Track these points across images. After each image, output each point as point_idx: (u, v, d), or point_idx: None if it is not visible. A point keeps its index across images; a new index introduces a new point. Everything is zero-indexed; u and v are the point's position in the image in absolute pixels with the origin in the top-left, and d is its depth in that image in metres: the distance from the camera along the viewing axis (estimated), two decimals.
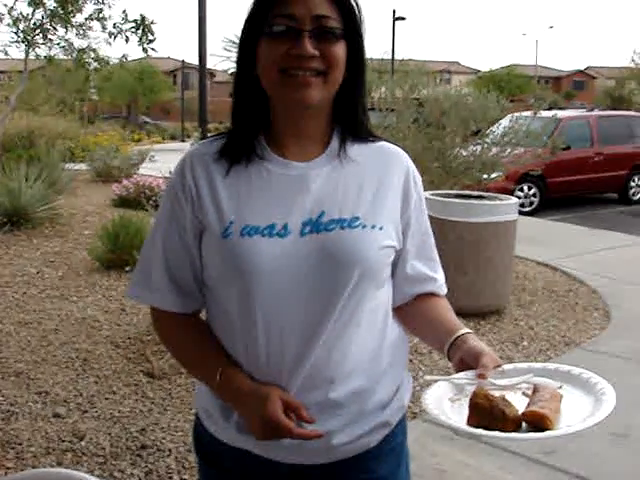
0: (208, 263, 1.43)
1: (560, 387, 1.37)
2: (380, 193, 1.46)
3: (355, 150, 1.47)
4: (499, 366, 1.38)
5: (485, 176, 7.60)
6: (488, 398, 1.29)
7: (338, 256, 1.38)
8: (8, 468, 3.30)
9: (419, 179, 1.59)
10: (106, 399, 4.03)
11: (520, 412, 1.29)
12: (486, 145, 7.40)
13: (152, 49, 9.52)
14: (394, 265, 1.52)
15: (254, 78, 1.42)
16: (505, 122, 8.08)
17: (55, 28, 10.66)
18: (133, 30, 9.87)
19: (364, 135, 1.50)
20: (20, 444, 3.51)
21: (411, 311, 1.58)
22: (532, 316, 5.87)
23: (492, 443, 3.62)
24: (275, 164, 1.43)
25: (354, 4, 1.40)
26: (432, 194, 6.02)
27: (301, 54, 1.35)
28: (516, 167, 9.11)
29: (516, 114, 8.66)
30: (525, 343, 5.23)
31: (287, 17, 1.35)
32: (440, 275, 1.61)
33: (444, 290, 1.61)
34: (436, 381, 1.41)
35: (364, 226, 1.41)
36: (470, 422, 1.29)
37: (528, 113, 9.16)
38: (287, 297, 1.37)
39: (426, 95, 7.59)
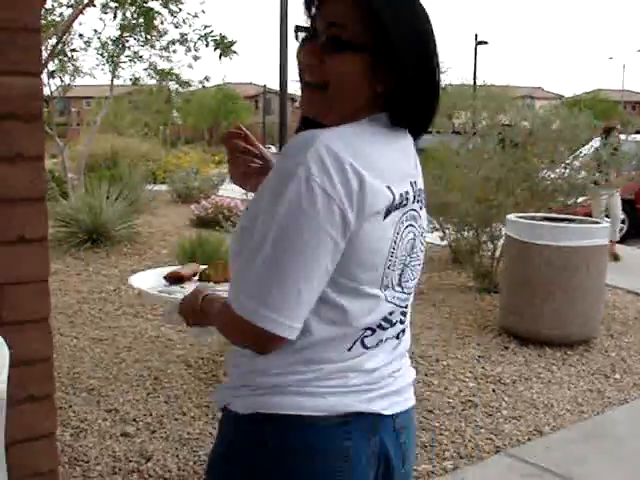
0: None
1: None
2: None
3: None
4: None
5: (572, 200, 7.27)
6: None
7: None
8: None
9: None
10: (175, 420, 3.92)
11: None
12: (575, 167, 7.07)
13: (234, 52, 9.53)
14: None
15: None
16: (595, 143, 7.73)
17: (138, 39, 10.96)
18: (213, 39, 9.96)
19: None
20: (87, 462, 3.42)
21: None
22: (624, 347, 5.52)
23: None
24: None
25: (391, 16, 1.29)
26: (518, 217, 5.75)
27: (301, 60, 1.35)
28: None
29: None
30: (617, 376, 4.89)
31: (312, 19, 1.36)
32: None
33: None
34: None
35: None
36: None
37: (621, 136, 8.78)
38: None
39: (513, 115, 7.34)
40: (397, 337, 1.43)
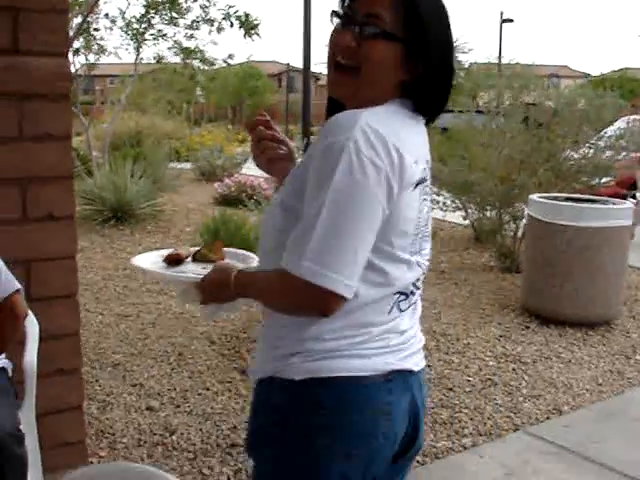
0: None
1: None
2: None
3: None
4: None
5: (597, 180, 7.22)
6: None
7: None
8: (101, 457, 3.30)
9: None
10: (199, 395, 4.00)
11: None
12: (600, 147, 7.01)
13: (257, 34, 9.49)
14: None
15: None
16: (620, 124, 7.65)
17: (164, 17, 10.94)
18: (237, 18, 9.89)
19: None
20: (113, 434, 3.51)
21: None
22: None
23: (601, 462, 3.37)
24: None
25: (428, 13, 1.42)
26: (540, 197, 5.74)
27: (337, 42, 1.45)
28: (630, 172, 8.64)
29: (632, 116, 8.21)
30: (638, 357, 4.89)
31: (349, 8, 1.45)
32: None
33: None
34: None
35: None
36: None
37: None
38: None
39: (537, 94, 7.28)
40: (415, 302, 1.57)
